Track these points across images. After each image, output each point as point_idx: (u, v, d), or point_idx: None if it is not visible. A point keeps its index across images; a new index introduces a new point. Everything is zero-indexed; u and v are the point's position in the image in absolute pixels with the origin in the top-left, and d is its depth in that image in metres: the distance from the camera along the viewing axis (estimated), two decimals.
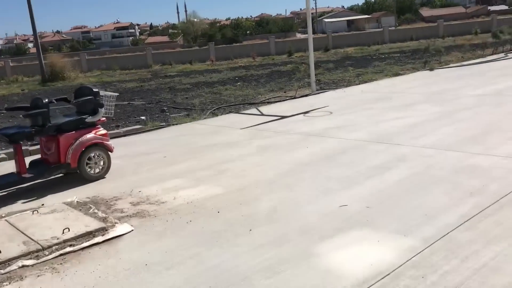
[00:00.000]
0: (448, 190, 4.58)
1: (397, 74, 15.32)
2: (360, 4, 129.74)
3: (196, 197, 5.01)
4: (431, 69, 15.39)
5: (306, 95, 12.28)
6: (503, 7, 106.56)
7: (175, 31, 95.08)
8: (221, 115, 10.65)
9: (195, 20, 78.32)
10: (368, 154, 6.18)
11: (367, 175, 5.30)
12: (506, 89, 10.10)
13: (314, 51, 13.81)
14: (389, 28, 41.71)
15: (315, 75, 13.29)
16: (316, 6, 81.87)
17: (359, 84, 13.85)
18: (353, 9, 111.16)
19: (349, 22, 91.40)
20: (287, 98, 12.11)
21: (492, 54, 18.39)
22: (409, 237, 3.66)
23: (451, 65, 16.29)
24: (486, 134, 6.55)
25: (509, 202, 4.16)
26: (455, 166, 5.30)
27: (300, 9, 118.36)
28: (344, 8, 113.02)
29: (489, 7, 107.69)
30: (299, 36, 58.14)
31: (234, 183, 5.44)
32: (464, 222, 3.83)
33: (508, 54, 17.92)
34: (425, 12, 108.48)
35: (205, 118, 10.31)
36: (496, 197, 4.27)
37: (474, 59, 17.66)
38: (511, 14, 74.21)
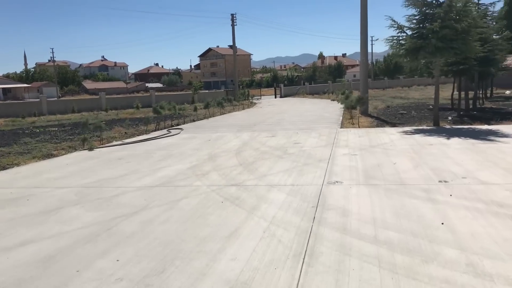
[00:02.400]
0: None
1: (49, 155, 12.02)
2: (18, 72, 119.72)
3: None
4: (91, 149, 12.76)
5: None
6: (159, 84, 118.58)
7: None
8: None
9: None
10: None
11: None
12: (178, 176, 8.29)
13: None
14: (49, 99, 38.02)
15: None
16: None
17: None
18: (9, 77, 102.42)
19: (5, 90, 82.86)
20: None
21: (155, 130, 17.39)
22: None
23: (114, 143, 14.14)
24: (164, 269, 4.09)
25: None
26: None
27: None
28: None
29: (147, 84, 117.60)
30: None
31: None
32: None
33: (171, 130, 17.26)
34: (89, 84, 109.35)
35: None
36: None
37: (138, 135, 16.15)
38: (166, 91, 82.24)
